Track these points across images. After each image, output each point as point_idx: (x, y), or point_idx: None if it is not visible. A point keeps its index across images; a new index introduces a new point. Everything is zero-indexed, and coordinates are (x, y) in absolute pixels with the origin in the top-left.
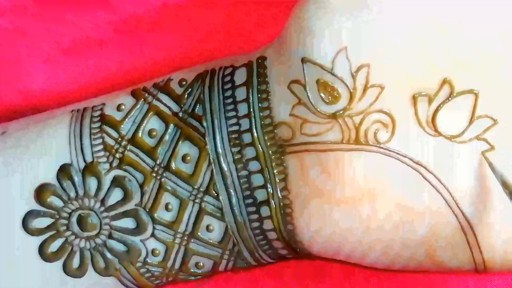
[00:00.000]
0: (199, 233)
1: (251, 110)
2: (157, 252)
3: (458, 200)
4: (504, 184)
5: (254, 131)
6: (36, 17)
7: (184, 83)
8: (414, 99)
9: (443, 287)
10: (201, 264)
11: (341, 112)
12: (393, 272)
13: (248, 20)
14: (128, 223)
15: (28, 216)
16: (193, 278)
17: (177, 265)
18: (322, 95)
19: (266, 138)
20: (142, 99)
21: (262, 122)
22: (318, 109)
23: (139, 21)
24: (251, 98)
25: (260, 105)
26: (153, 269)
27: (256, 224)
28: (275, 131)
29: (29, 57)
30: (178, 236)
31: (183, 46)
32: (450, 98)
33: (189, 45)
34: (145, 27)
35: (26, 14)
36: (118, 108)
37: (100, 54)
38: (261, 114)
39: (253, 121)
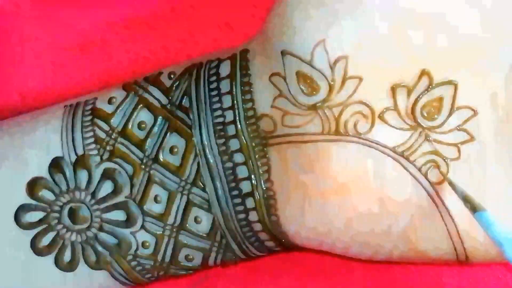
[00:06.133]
0: (187, 225)
1: (235, 102)
2: (147, 244)
3: (439, 190)
4: (466, 199)
5: (238, 123)
6: (33, 17)
7: (173, 76)
8: (393, 90)
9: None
10: (191, 257)
11: (320, 103)
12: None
13: (245, 17)
14: (118, 215)
15: (20, 210)
16: (184, 272)
17: (167, 258)
18: (302, 87)
19: (249, 130)
20: (133, 92)
21: (246, 114)
22: (298, 101)
23: (137, 21)
24: (235, 90)
25: (243, 97)
26: (144, 262)
27: (242, 216)
28: (258, 123)
29: (27, 57)
30: (167, 228)
31: (181, 45)
32: (429, 89)
33: (187, 45)
34: (143, 27)
35: (23, 14)
36: (109, 101)
37: (98, 54)
38: (244, 106)
39: (237, 113)
